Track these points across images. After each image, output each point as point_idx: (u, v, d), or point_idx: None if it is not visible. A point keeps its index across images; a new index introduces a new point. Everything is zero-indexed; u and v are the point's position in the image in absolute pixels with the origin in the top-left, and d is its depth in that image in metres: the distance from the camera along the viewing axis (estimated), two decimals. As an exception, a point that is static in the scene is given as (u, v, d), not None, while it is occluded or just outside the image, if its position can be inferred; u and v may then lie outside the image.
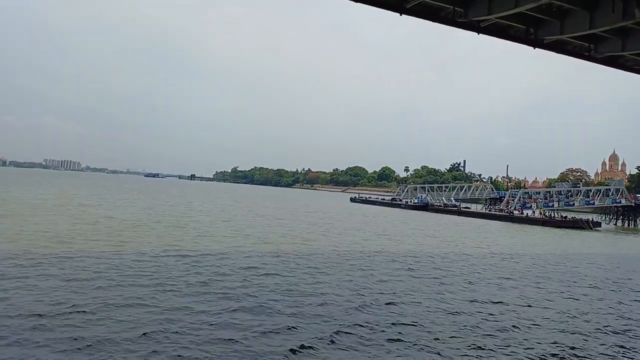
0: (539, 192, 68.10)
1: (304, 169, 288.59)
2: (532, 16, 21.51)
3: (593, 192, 68.04)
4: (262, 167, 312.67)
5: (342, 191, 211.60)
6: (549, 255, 27.07)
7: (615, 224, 67.89)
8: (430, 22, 18.11)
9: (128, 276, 13.93)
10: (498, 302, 13.92)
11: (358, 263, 19.32)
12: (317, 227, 34.39)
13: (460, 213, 67.75)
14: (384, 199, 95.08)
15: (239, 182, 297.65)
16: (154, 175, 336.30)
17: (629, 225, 68.34)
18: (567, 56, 22.83)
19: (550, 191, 68.34)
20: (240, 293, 12.81)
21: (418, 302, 13.18)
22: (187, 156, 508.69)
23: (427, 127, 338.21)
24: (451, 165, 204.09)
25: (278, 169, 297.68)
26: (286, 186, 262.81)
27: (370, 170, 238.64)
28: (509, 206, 64.12)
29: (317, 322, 10.67)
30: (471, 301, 13.83)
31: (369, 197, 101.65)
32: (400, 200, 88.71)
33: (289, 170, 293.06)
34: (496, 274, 19.34)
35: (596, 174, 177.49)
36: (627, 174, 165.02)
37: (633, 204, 70.04)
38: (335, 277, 16.05)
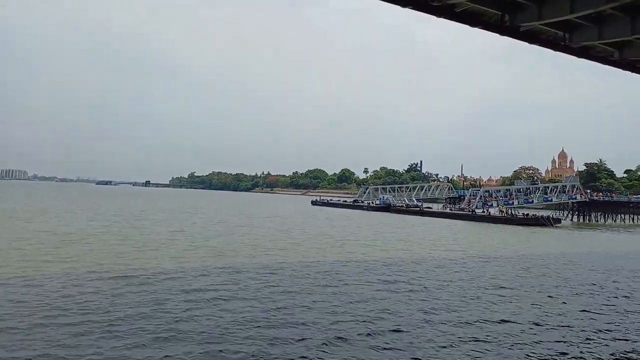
0: (500, 190, 68.64)
1: (263, 173, 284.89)
2: (509, 1, 20.22)
3: (550, 189, 69.16)
4: (221, 172, 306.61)
5: (302, 194, 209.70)
6: (532, 257, 26.12)
7: (572, 220, 69.26)
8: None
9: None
10: (505, 322, 12.20)
11: (330, 277, 17.33)
12: (281, 234, 32.25)
13: (423, 213, 67.27)
14: (345, 201, 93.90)
15: (196, 188, 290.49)
16: (105, 183, 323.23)
17: (584, 220, 69.95)
18: (540, 46, 21.89)
19: (510, 189, 69.01)
20: (185, 330, 10.29)
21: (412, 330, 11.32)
22: (142, 162, 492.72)
23: (386, 128, 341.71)
24: (409, 165, 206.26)
25: (237, 174, 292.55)
26: (245, 190, 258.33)
27: (330, 173, 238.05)
28: (471, 205, 64.13)
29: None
30: (474, 322, 12.08)
31: (331, 200, 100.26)
32: (362, 201, 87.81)
33: (248, 175, 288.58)
34: (486, 281, 17.91)
35: (547, 171, 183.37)
36: (575, 170, 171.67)
37: (587, 200, 71.81)
38: (306, 297, 13.97)
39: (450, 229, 44.16)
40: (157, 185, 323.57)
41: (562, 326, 12.03)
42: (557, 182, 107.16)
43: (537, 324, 12.05)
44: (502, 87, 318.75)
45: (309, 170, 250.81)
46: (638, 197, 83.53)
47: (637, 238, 45.43)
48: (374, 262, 21.01)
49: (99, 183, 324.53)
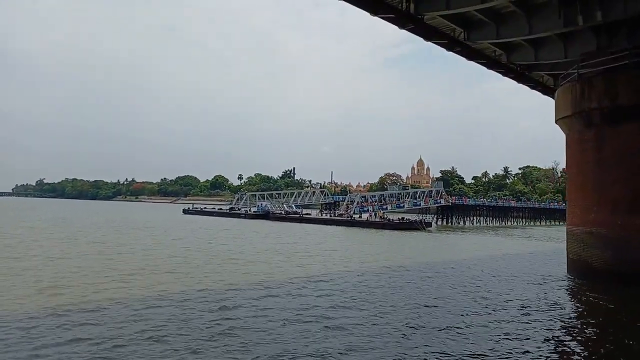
0: (375, 196, 70.76)
1: (127, 180, 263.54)
2: (468, 17, 19.67)
3: (419, 194, 73.27)
4: (76, 179, 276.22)
5: (171, 202, 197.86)
6: (433, 263, 25.86)
7: (437, 223, 74.17)
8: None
9: None
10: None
11: (215, 314, 14.27)
12: (143, 254, 26.07)
13: (302, 220, 66.42)
14: (221, 209, 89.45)
15: (45, 197, 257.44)
16: None
17: (447, 223, 75.47)
18: (436, 42, 21.69)
19: (384, 194, 71.60)
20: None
21: None
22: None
23: (260, 135, 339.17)
24: (283, 172, 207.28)
25: (95, 181, 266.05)
26: (106, 199, 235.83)
27: (202, 179, 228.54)
28: (349, 210, 64.93)
29: None
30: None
31: (204, 208, 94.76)
32: (239, 209, 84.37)
33: (109, 182, 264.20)
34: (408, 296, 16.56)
35: (407, 177, 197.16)
36: (431, 177, 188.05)
37: (450, 204, 77.67)
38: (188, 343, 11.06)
39: (336, 237, 43.47)
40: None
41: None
42: (417, 187, 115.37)
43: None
44: (369, 98, 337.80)
45: (178, 177, 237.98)
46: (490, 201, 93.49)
47: (499, 240, 49.45)
48: (277, 283, 18.55)
49: None
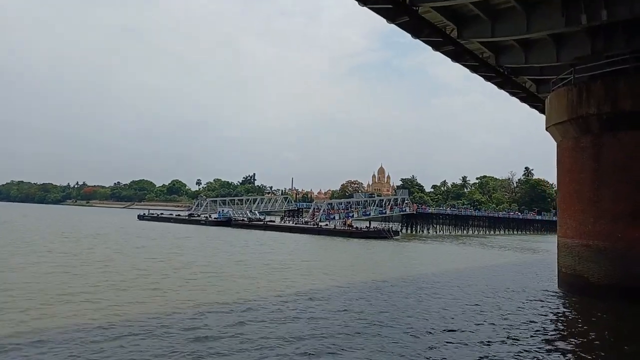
0: (342, 203, 69.28)
1: (77, 183, 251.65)
2: (463, 13, 18.28)
3: (385, 202, 72.40)
4: (22, 181, 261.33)
5: (125, 207, 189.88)
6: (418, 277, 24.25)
7: (402, 231, 73.56)
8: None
9: None
10: None
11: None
12: (99, 267, 22.92)
13: (267, 227, 63.96)
14: (179, 215, 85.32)
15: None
16: None
17: (411, 231, 75.04)
18: (425, 40, 20.32)
19: (350, 202, 70.24)
20: None
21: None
22: None
23: (219, 141, 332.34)
24: (243, 178, 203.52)
25: (43, 184, 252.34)
26: (54, 203, 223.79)
27: (158, 184, 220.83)
28: (315, 218, 63.09)
29: None
30: None
31: (161, 214, 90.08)
32: (199, 215, 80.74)
33: (58, 185, 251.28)
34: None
35: (368, 185, 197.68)
36: (392, 185, 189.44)
37: (414, 212, 77.36)
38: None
39: (306, 247, 41.47)
40: None
41: None
42: (378, 195, 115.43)
43: None
44: (330, 106, 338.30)
45: (133, 181, 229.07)
46: (453, 210, 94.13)
47: (467, 249, 48.93)
48: (256, 303, 16.40)
49: None
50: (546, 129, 21.58)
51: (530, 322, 14.61)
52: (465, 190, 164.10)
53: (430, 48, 20.91)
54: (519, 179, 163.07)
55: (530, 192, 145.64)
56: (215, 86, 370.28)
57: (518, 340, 12.25)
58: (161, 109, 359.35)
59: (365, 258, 33.66)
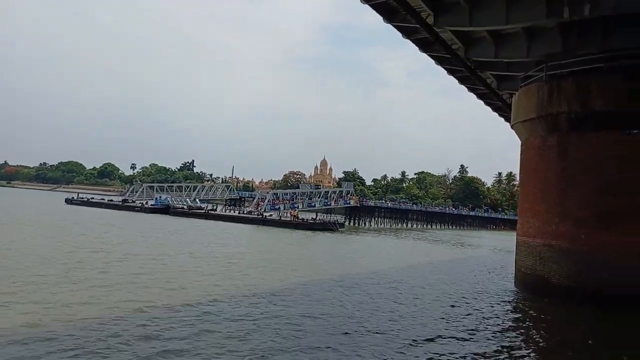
0: (287, 194, 67.77)
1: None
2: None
3: (330, 194, 71.72)
4: None
5: (51, 190, 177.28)
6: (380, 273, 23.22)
7: (346, 223, 73.36)
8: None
9: None
10: None
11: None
12: (21, 258, 20.10)
13: (208, 216, 61.12)
14: (111, 200, 79.94)
15: None
16: None
17: (355, 223, 75.05)
18: (397, 26, 19.26)
19: (296, 192, 68.87)
20: None
21: None
22: None
23: (158, 125, 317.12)
24: (182, 164, 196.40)
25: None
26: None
27: (88, 166, 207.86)
28: (259, 208, 61.17)
29: None
30: None
31: (92, 198, 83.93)
32: (133, 201, 76.03)
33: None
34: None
35: (310, 176, 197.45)
36: (333, 177, 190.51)
37: (358, 205, 77.38)
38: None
39: (253, 238, 39.72)
40: None
41: None
42: (318, 187, 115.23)
43: None
44: (274, 96, 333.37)
45: (61, 162, 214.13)
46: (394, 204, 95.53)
47: (409, 242, 49.22)
48: (209, 302, 14.63)
49: None
50: (512, 125, 21.24)
51: (488, 320, 14.39)
52: (404, 184, 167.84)
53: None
54: (454, 176, 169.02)
55: (465, 188, 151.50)
56: (158, 68, 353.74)
57: (474, 339, 11.94)
58: (95, 87, 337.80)
59: (315, 251, 32.55)
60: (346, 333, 11.55)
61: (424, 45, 21.34)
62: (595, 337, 13.39)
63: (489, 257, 38.93)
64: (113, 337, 9.82)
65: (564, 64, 18.02)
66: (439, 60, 23.86)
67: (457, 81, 27.48)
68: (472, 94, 30.23)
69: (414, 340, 11.41)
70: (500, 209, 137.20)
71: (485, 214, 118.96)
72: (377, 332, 11.87)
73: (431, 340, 11.60)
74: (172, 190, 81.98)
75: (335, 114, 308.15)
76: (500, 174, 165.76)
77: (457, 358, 10.30)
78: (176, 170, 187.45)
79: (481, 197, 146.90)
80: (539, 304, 17.56)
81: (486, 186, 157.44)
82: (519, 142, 21.26)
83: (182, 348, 9.58)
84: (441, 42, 19.72)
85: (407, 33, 20.01)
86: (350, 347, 10.38)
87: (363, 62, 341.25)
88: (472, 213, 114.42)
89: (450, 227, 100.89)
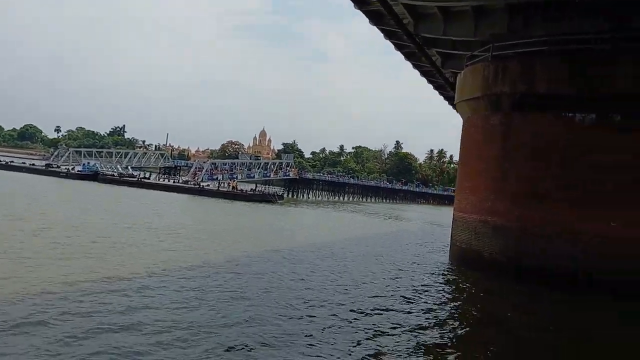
0: (226, 164, 66.16)
1: None
2: None
3: (270, 165, 70.95)
4: None
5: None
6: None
7: (286, 195, 73.24)
8: None
9: None
10: None
11: None
12: None
13: (141, 185, 58.35)
14: (34, 165, 74.17)
15: None
16: None
17: (294, 196, 75.10)
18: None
19: (235, 163, 67.43)
20: None
21: None
22: None
23: (86, 85, 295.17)
24: (112, 129, 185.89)
25: None
26: None
27: (7, 128, 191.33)
28: (197, 178, 59.31)
29: None
30: None
31: (11, 162, 77.46)
32: (58, 166, 71.03)
33: None
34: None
35: (249, 147, 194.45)
36: (272, 148, 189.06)
37: (297, 177, 77.35)
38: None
39: (192, 209, 38.50)
40: None
41: None
42: (259, 157, 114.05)
43: None
44: (212, 64, 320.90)
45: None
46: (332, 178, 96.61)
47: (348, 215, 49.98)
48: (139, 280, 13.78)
49: None
50: (455, 103, 21.61)
51: (425, 293, 14.83)
52: (342, 158, 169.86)
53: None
54: (390, 151, 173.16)
55: (399, 164, 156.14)
56: (83, 22, 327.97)
57: (412, 312, 12.28)
58: (11, 40, 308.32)
59: (255, 222, 32.08)
60: (287, 306, 11.36)
61: (375, 18, 21.01)
62: (518, 310, 14.12)
63: (423, 230, 40.36)
64: (43, 313, 8.97)
65: (509, 45, 18.41)
66: (389, 35, 23.69)
67: (403, 57, 27.56)
68: (416, 70, 30.53)
69: (353, 311, 11.50)
70: (430, 184, 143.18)
71: (417, 189, 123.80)
72: (317, 305, 11.78)
73: (372, 312, 11.72)
74: (101, 156, 77.36)
75: (276, 84, 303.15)
76: (432, 150, 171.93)
77: (394, 329, 10.45)
78: (105, 135, 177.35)
79: (413, 172, 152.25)
80: (473, 278, 18.33)
81: (418, 162, 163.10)
82: (453, 121, 21.82)
83: (121, 323, 8.95)
84: (393, 15, 19.49)
85: (359, 3, 19.56)
86: (291, 321, 10.22)
87: (306, 34, 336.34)
88: (404, 187, 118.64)
89: (384, 200, 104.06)
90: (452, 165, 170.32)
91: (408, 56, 26.95)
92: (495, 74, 18.28)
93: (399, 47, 25.44)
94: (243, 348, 8.43)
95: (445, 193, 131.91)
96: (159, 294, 11.34)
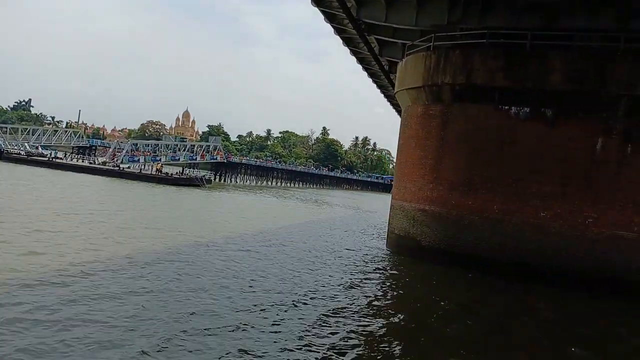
0: (149, 145, 62.58)
1: None
2: None
3: (196, 148, 68.30)
4: None
5: None
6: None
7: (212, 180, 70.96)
8: None
9: None
10: None
11: None
12: None
13: (53, 165, 53.48)
14: None
15: None
16: None
17: (221, 179, 73.06)
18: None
19: (158, 144, 64.02)
20: None
21: None
22: None
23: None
24: (16, 103, 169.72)
25: None
26: None
27: None
28: (116, 159, 55.55)
29: None
30: None
31: None
32: (-48, 143, 63.30)
33: None
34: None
35: (171, 127, 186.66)
36: (196, 130, 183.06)
37: (224, 161, 75.30)
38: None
39: (114, 194, 35.82)
40: None
41: None
42: (183, 139, 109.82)
43: None
44: (129, 39, 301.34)
45: None
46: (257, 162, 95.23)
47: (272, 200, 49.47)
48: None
49: None
50: (395, 92, 21.66)
51: (361, 280, 14.87)
52: (269, 142, 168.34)
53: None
54: (316, 137, 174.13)
55: (325, 150, 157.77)
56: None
57: (347, 298, 12.33)
58: None
59: (184, 209, 30.51)
60: (217, 297, 10.74)
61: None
62: (450, 295, 14.46)
63: (355, 217, 40.82)
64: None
65: (450, 36, 18.67)
66: (329, 18, 23.18)
67: (342, 42, 27.19)
68: (353, 57, 30.36)
69: (290, 298, 11.26)
70: (355, 171, 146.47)
71: (342, 175, 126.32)
72: (254, 296, 11.26)
73: (312, 300, 11.46)
74: (4, 133, 70.17)
75: (201, 64, 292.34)
76: (357, 138, 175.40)
77: (329, 315, 10.35)
78: (8, 109, 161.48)
79: (339, 158, 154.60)
80: (410, 265, 18.65)
81: (344, 149, 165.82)
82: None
83: (44, 319, 7.86)
84: (337, -2, 18.96)
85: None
86: (224, 312, 9.70)
87: (235, 13, 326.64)
88: (331, 173, 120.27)
89: (311, 185, 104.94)
90: (375, 153, 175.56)
91: (347, 42, 26.64)
92: (437, 64, 18.47)
93: (338, 31, 25.00)
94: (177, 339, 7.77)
95: (369, 179, 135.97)
96: (86, 285, 10.18)
